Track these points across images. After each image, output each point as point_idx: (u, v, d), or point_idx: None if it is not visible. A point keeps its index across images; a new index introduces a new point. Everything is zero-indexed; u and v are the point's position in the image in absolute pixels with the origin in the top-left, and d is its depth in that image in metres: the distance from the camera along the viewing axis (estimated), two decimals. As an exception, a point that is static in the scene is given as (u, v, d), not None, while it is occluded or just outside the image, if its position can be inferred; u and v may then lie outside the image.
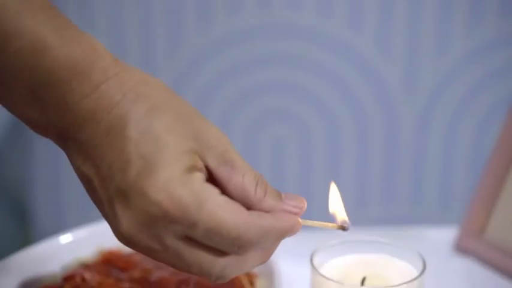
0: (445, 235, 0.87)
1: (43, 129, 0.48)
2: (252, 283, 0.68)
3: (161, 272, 0.69)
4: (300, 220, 0.53)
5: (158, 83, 0.49)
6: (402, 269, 0.60)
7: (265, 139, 1.16)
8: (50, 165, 1.07)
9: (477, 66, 1.12)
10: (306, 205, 0.51)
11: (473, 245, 0.83)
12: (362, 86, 1.11)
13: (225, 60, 1.10)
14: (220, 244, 0.46)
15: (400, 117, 1.13)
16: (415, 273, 0.58)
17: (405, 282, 0.57)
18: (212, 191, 0.46)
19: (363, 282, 0.59)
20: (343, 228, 0.55)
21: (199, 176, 0.46)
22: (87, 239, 0.74)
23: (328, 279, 0.58)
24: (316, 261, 0.60)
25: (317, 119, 1.14)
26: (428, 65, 1.12)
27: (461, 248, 0.84)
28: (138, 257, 0.72)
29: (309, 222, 0.57)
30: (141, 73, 0.48)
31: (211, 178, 0.48)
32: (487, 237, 0.83)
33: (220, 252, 0.47)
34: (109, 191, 0.46)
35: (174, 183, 0.44)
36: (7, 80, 0.47)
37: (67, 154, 0.48)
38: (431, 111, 1.13)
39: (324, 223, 0.57)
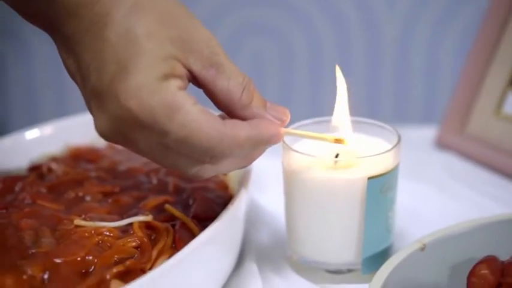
0: (426, 133, 0.85)
1: (32, 18, 0.47)
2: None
3: (131, 162, 0.66)
4: (289, 130, 0.52)
5: None
6: (377, 145, 0.58)
7: (245, 53, 1.13)
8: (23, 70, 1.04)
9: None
10: (288, 117, 0.50)
11: (453, 139, 0.81)
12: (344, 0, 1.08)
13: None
14: (193, 153, 0.46)
15: (382, 27, 1.11)
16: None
17: (378, 154, 0.55)
18: (185, 100, 0.44)
19: (336, 157, 0.57)
20: (340, 141, 0.54)
21: (175, 84, 0.44)
22: (55, 135, 0.71)
23: (300, 153, 0.55)
24: (288, 139, 0.57)
25: (299, 34, 1.11)
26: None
27: (442, 144, 0.82)
28: (108, 152, 0.70)
29: (303, 133, 0.54)
30: None
31: (198, 83, 0.47)
32: (467, 132, 0.81)
33: (194, 159, 0.46)
34: (87, 90, 0.46)
35: (146, 90, 0.43)
36: None
37: (56, 45, 0.47)
38: (414, 19, 1.10)
39: (318, 135, 0.55)
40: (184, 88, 0.46)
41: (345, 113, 0.56)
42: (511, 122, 0.77)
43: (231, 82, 0.47)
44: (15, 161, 0.68)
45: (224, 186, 0.62)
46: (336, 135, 0.55)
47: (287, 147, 0.56)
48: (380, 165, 0.55)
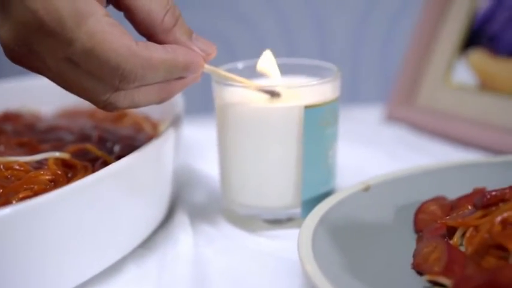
0: (377, 109, 0.82)
1: None
2: (155, 128, 0.61)
3: (54, 122, 0.61)
4: (213, 68, 0.49)
5: None
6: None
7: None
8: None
9: None
10: (215, 52, 0.47)
11: (403, 111, 0.78)
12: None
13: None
14: (100, 72, 0.41)
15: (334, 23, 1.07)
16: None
17: (315, 83, 0.51)
18: (96, 8, 0.41)
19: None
20: (271, 93, 0.50)
21: None
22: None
23: (233, 86, 0.51)
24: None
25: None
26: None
27: (392, 117, 0.79)
28: (32, 119, 0.65)
29: (227, 75, 0.50)
30: None
31: (116, 1, 0.44)
32: (417, 103, 0.78)
33: (103, 80, 0.42)
34: None
35: None
36: None
37: None
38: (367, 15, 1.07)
39: (244, 80, 0.51)
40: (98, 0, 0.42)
41: (271, 59, 0.53)
42: (461, 90, 0.74)
43: (153, 2, 0.44)
44: None
45: (154, 140, 0.57)
46: (265, 85, 0.51)
47: (219, 80, 0.52)
48: (317, 96, 0.51)
